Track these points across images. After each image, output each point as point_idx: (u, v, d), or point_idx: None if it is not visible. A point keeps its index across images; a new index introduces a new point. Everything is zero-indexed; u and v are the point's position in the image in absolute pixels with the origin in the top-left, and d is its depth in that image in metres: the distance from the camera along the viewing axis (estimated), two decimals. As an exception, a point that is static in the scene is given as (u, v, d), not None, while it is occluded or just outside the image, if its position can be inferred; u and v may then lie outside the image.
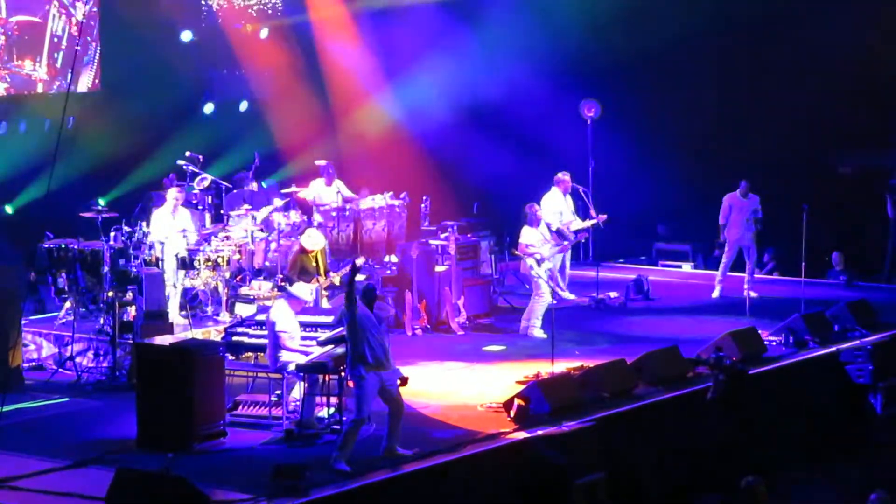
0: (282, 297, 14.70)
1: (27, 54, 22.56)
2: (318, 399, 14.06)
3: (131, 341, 15.98)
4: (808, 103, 23.49)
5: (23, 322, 16.87)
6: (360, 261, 18.00)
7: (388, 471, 12.64)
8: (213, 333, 17.08)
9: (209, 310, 18.43)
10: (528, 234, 18.36)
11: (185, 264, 18.00)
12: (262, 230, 19.48)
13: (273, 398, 14.37)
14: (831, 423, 16.99)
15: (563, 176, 20.37)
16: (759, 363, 16.62)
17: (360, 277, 18.11)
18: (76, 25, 22.65)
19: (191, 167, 20.72)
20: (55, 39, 22.59)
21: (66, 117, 16.13)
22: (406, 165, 24.14)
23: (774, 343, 17.45)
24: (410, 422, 13.95)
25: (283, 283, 16.59)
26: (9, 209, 22.04)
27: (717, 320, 18.95)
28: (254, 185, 21.15)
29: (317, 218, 20.55)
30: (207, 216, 20.56)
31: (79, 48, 22.70)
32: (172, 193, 18.79)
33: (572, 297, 20.33)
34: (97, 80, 23.28)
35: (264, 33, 25.17)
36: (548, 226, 19.04)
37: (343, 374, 13.73)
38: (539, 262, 18.26)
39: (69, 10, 22.75)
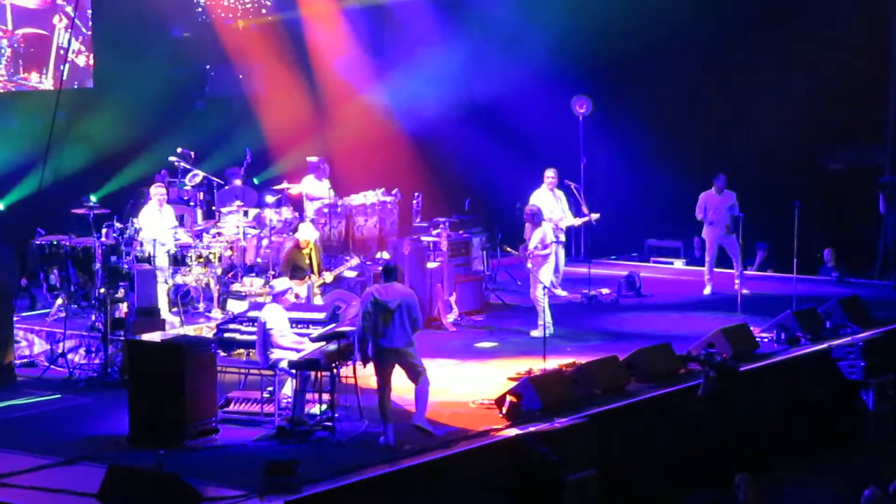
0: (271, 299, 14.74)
1: (33, 67, 22.53)
2: (309, 395, 14.04)
3: (123, 338, 15.96)
4: (800, 100, 23.48)
5: (14, 318, 16.85)
6: (353, 261, 18.07)
7: (379, 467, 12.63)
8: (205, 330, 17.04)
9: (201, 306, 18.40)
10: (532, 234, 18.32)
11: (177, 261, 17.98)
12: (253, 227, 19.44)
13: (265, 395, 14.35)
14: (823, 419, 17.02)
15: (548, 172, 20.30)
16: (751, 360, 16.60)
17: (351, 274, 18.15)
18: (68, 23, 22.57)
19: (182, 163, 20.70)
20: (61, 52, 22.47)
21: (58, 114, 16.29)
22: (397, 162, 24.11)
23: (766, 340, 17.45)
24: (403, 418, 13.95)
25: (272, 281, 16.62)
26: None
27: (708, 317, 18.95)
28: (238, 182, 21.06)
29: (309, 214, 20.51)
30: (199, 212, 20.52)
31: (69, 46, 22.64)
32: (155, 191, 18.74)
33: (564, 293, 20.32)
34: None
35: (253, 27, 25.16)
36: None
37: (335, 370, 13.75)
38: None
39: (74, 20, 22.65)
